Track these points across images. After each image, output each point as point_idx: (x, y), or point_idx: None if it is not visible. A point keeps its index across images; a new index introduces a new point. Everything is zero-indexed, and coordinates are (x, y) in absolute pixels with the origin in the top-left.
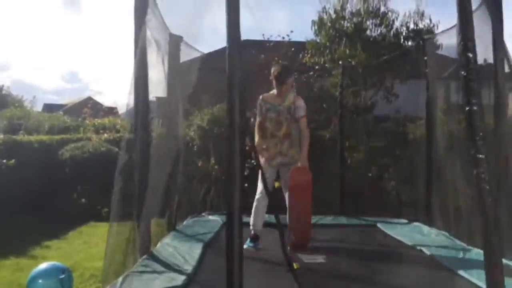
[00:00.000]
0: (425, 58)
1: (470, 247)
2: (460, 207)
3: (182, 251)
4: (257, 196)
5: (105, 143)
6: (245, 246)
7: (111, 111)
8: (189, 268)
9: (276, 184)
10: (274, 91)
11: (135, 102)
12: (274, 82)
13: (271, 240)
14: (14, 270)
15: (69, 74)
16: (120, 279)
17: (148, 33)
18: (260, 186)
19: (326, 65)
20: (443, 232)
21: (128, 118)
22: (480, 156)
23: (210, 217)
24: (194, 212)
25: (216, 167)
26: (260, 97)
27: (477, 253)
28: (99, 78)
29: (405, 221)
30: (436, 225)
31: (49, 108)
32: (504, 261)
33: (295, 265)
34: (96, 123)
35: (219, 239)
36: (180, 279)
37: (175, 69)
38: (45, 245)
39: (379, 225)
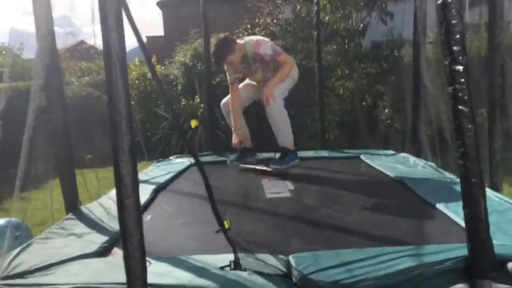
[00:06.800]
0: None
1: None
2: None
3: None
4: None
5: (86, 87)
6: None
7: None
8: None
9: (194, 123)
10: None
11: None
12: None
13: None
14: None
15: (61, 19)
16: (17, 250)
17: None
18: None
19: None
20: (430, 163)
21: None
22: (458, 67)
23: (178, 160)
24: (183, 153)
25: (202, 105)
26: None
27: None
28: (92, 20)
29: (392, 152)
30: (424, 156)
31: None
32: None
33: (226, 224)
34: (82, 67)
35: (176, 182)
36: (99, 242)
37: None
38: (21, 197)
39: (362, 156)
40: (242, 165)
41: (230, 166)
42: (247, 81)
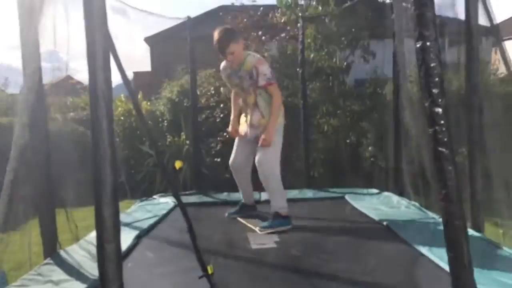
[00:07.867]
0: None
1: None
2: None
3: None
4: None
5: (70, 123)
6: (226, 214)
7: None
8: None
9: (178, 165)
10: None
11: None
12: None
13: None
14: None
15: (48, 53)
16: None
17: None
18: (232, 154)
19: (299, 24)
20: (414, 203)
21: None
22: (437, 110)
23: (162, 199)
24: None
25: (187, 142)
26: (221, 65)
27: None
28: (78, 55)
29: (376, 191)
30: (407, 195)
31: None
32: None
33: (209, 269)
34: (68, 102)
35: (160, 227)
36: None
37: None
38: None
39: (347, 197)
40: (239, 218)
41: (214, 210)
42: (237, 141)
